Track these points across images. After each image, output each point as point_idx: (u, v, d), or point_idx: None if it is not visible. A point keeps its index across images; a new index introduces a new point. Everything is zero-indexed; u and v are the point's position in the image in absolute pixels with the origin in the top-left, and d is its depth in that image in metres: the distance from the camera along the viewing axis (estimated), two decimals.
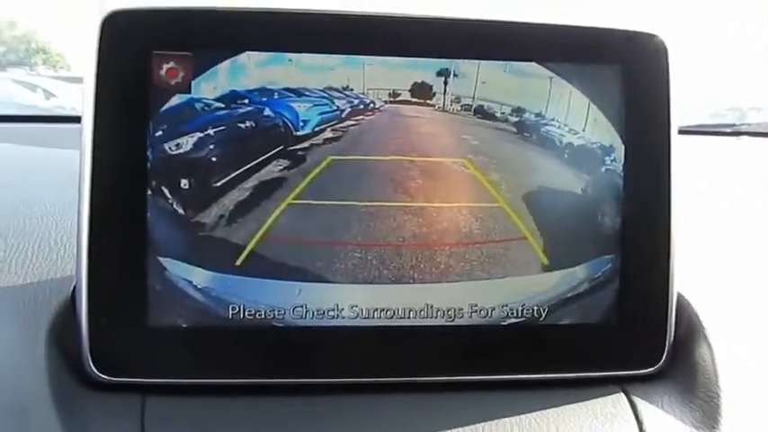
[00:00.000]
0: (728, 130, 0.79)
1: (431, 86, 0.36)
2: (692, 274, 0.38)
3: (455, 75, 0.36)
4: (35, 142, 0.57)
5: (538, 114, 0.36)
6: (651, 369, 0.35)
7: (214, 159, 0.34)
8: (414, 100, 0.36)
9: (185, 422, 0.32)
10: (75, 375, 0.33)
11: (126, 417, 0.31)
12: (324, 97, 0.35)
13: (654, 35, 0.36)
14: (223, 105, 0.34)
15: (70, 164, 0.49)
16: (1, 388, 0.30)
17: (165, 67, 0.33)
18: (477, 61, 0.36)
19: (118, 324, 0.33)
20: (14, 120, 0.77)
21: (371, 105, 0.35)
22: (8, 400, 0.29)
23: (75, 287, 0.35)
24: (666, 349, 0.35)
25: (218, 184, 0.34)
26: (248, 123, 0.35)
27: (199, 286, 0.34)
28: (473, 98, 0.36)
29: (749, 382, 0.34)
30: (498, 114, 0.36)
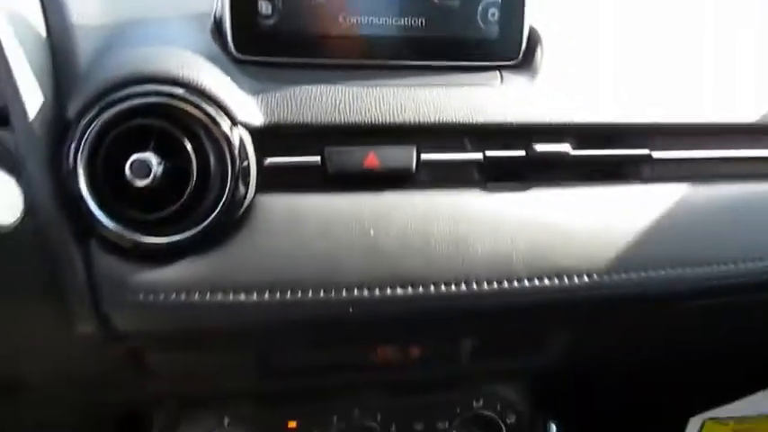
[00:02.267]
0: None
1: None
2: (543, 18, 0.59)
3: None
4: None
5: None
6: (512, 62, 0.57)
7: None
8: None
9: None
10: (226, 54, 0.52)
11: (265, 79, 0.51)
12: None
13: None
14: None
15: None
16: (196, 50, 0.50)
17: None
18: None
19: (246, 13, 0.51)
20: None
21: None
22: (202, 63, 0.49)
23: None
24: (521, 51, 0.57)
25: None
26: None
27: None
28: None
29: (564, 69, 0.58)
30: None
